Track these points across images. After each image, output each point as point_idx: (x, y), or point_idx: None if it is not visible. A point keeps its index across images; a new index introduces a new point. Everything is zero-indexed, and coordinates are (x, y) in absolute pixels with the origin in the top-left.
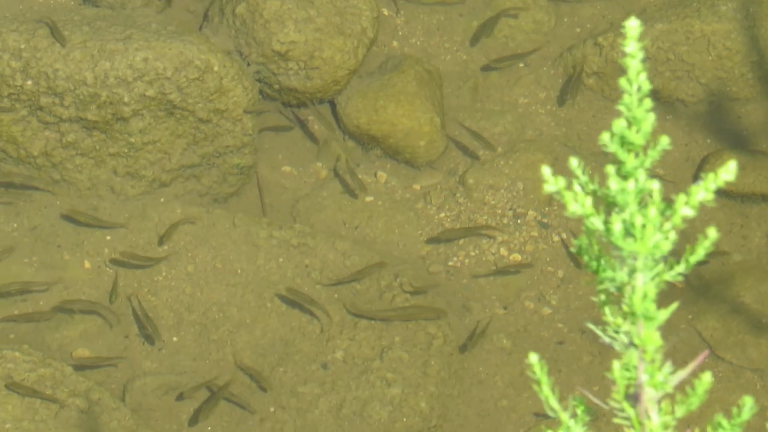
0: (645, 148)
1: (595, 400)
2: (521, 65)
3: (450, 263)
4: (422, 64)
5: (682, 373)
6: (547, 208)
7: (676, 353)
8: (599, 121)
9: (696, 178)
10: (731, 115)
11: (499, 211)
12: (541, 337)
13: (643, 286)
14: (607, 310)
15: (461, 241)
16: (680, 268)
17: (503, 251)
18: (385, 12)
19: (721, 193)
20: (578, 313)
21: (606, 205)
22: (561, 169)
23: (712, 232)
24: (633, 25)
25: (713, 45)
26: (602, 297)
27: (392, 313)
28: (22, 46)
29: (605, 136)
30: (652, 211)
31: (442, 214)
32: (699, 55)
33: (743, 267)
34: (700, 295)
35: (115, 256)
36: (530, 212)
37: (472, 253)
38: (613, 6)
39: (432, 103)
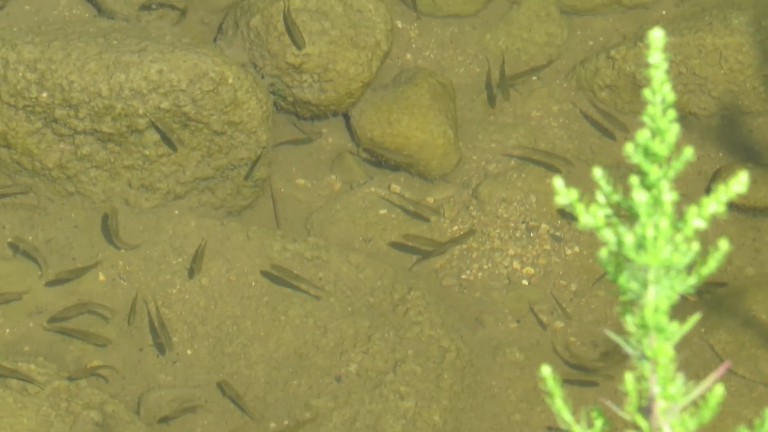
0: (669, 159)
1: (614, 408)
2: (534, 78)
3: (463, 276)
4: (436, 77)
5: (703, 386)
6: (559, 222)
7: (688, 367)
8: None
9: (708, 191)
10: (743, 129)
11: (512, 224)
12: (554, 351)
13: (655, 298)
14: (628, 320)
15: (474, 254)
16: (692, 280)
17: (516, 264)
18: (399, 25)
19: (733, 207)
20: (591, 326)
21: (629, 216)
22: (573, 182)
23: (724, 244)
24: (657, 36)
25: (725, 58)
26: (622, 308)
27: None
28: (37, 58)
29: (629, 147)
30: (663, 223)
31: (455, 227)
32: (711, 69)
33: (756, 281)
34: (713, 309)
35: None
36: (543, 225)
37: (485, 267)
38: (626, 19)
39: (445, 116)
